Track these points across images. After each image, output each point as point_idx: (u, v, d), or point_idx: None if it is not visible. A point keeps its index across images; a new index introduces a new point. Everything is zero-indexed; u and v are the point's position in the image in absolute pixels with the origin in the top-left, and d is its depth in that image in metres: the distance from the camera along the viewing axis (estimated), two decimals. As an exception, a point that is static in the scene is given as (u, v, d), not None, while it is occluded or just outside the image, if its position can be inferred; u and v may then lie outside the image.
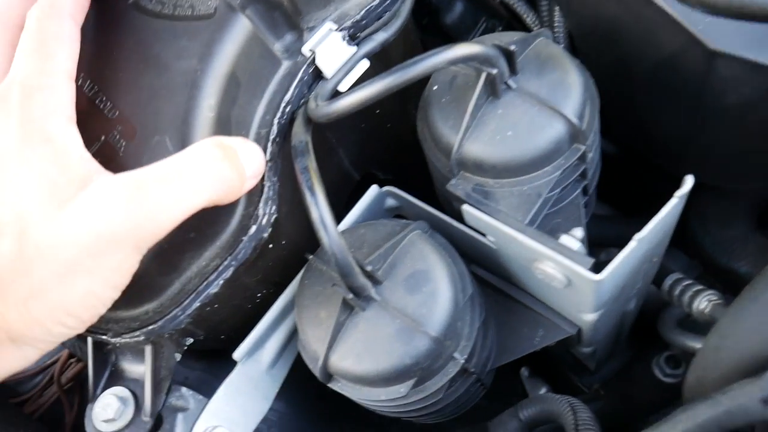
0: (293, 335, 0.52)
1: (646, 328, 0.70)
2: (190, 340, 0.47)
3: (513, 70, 0.45)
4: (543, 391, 0.79)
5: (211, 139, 0.40)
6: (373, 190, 0.53)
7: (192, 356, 0.52)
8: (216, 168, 0.39)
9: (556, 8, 0.57)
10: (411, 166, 0.69)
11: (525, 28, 0.64)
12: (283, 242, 0.48)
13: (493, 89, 0.44)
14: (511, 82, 0.45)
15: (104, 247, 0.36)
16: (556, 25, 0.58)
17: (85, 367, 0.54)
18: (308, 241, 0.54)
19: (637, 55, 0.52)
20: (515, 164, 0.45)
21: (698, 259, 0.70)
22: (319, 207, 0.39)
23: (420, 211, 0.53)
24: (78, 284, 0.36)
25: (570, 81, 0.45)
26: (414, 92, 0.61)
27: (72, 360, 0.55)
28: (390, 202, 0.55)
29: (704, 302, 0.59)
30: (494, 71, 0.43)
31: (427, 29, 0.67)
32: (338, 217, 0.60)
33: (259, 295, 0.49)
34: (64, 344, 0.53)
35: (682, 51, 0.48)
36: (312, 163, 0.41)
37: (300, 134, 0.44)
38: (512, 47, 0.43)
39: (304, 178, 0.40)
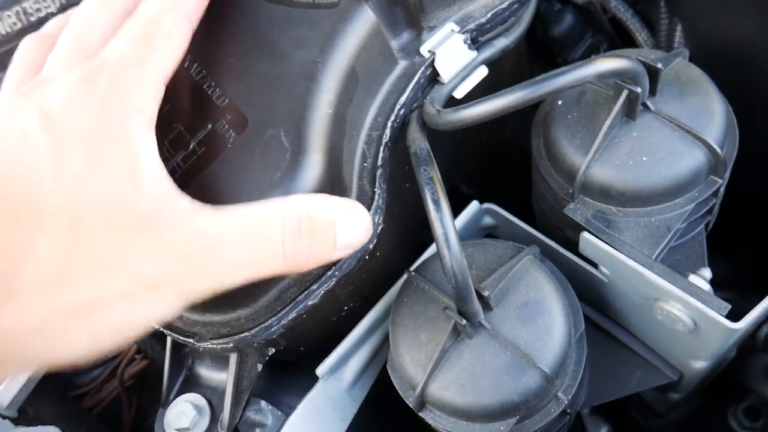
0: (376, 354, 0.48)
1: (723, 373, 0.66)
2: (272, 350, 0.43)
3: (653, 91, 0.41)
4: (604, 431, 0.75)
5: (299, 205, 0.35)
6: (474, 206, 0.49)
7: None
8: (292, 244, 0.34)
9: (678, 27, 0.53)
10: (497, 182, 0.65)
11: (634, 45, 0.60)
12: (378, 254, 0.45)
13: (630, 109, 0.41)
14: (649, 103, 0.41)
15: (144, 289, 0.32)
16: (675, 44, 0.54)
17: (150, 364, 0.51)
18: (399, 253, 0.51)
19: (770, 84, 0.49)
20: (647, 193, 0.41)
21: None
22: (444, 223, 0.35)
23: (520, 233, 0.49)
24: (109, 313, 0.31)
25: (713, 107, 0.42)
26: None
27: (137, 356, 0.52)
28: (487, 220, 0.52)
29: (807, 357, 0.55)
30: (637, 89, 0.39)
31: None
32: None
33: (346, 307, 0.46)
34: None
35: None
36: (437, 173, 0.37)
37: (419, 140, 0.40)
38: (659, 64, 0.39)
39: (428, 189, 0.36)
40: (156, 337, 0.48)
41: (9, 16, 0.49)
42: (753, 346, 0.60)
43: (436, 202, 0.36)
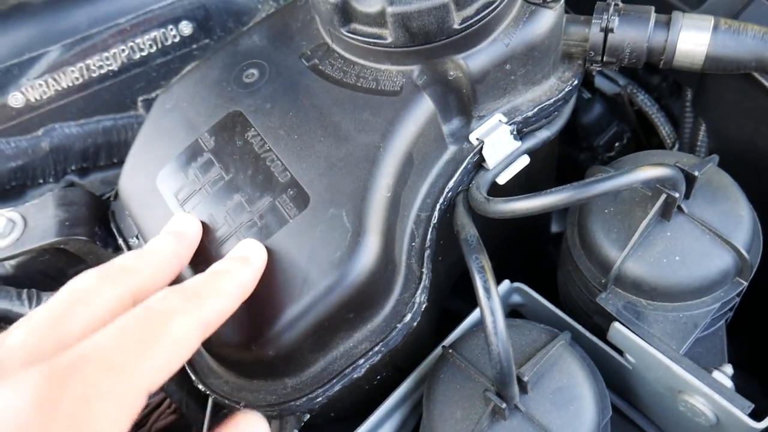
0: (404, 424, 0.49)
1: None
2: (308, 416, 0.44)
3: (687, 195, 0.43)
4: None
5: None
6: (505, 285, 0.51)
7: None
8: None
9: (702, 126, 0.56)
10: (517, 255, 0.67)
11: (656, 136, 0.63)
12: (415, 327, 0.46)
13: (666, 211, 0.43)
14: (683, 206, 0.44)
15: None
16: (699, 143, 0.57)
17: (180, 418, 0.52)
18: (428, 323, 0.53)
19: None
20: (677, 290, 0.43)
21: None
22: (494, 312, 0.37)
23: (548, 314, 0.51)
24: None
25: (742, 213, 0.44)
26: (539, 186, 0.61)
27: (167, 410, 0.52)
28: (514, 298, 0.54)
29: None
30: (675, 194, 0.42)
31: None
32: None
33: (378, 376, 0.47)
34: (167, 393, 0.51)
35: None
36: (487, 261, 0.39)
37: (468, 227, 0.42)
38: (696, 172, 0.42)
39: (480, 278, 0.38)
40: (191, 395, 0.49)
41: (73, 71, 0.51)
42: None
43: (488, 291, 0.38)
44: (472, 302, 0.40)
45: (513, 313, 0.57)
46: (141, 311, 0.29)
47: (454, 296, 0.60)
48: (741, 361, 0.68)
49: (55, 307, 0.30)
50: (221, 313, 0.33)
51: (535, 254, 0.72)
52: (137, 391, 0.27)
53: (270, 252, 0.39)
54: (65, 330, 0.29)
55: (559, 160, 0.65)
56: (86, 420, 0.25)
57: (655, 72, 0.63)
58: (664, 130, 0.61)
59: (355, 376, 0.41)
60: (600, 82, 0.64)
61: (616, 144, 0.65)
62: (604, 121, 0.63)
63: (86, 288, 0.31)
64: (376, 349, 0.41)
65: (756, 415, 0.41)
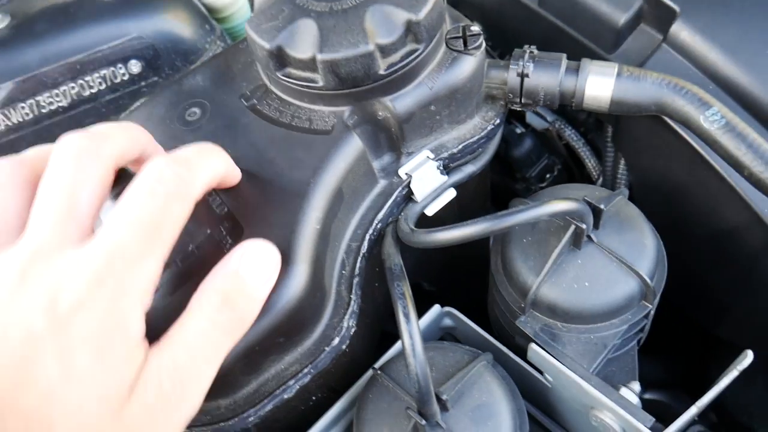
0: (338, 444, 0.52)
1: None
2: (244, 437, 0.47)
3: (596, 225, 0.47)
4: None
5: (204, 293, 0.37)
6: (435, 309, 0.55)
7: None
8: (225, 320, 0.36)
9: (622, 160, 0.61)
10: (455, 282, 0.71)
11: (585, 169, 0.68)
12: (347, 350, 0.49)
13: (576, 240, 0.47)
14: (592, 236, 0.48)
15: None
16: (619, 175, 0.62)
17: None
18: (365, 345, 0.56)
19: (697, 220, 0.56)
20: (588, 313, 0.47)
21: (717, 415, 0.72)
22: (412, 336, 0.40)
23: (476, 336, 0.54)
24: None
25: (646, 242, 0.48)
26: (473, 215, 0.64)
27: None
28: (446, 321, 0.57)
29: (727, 462, 0.60)
30: (583, 226, 0.45)
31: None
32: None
33: (314, 398, 0.50)
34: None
35: (744, 227, 0.52)
36: (408, 288, 0.43)
37: (393, 256, 0.46)
38: (602, 205, 0.46)
39: (401, 304, 0.41)
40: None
41: (23, 107, 0.54)
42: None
43: (407, 316, 0.41)
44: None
45: (448, 335, 0.60)
46: (144, 197, 0.35)
47: (393, 319, 0.63)
48: (672, 379, 0.73)
49: (62, 190, 0.35)
50: (208, 185, 0.39)
51: (475, 280, 0.76)
52: (156, 268, 0.34)
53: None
54: (80, 213, 0.35)
55: (497, 190, 0.69)
56: (125, 295, 0.32)
57: (581, 109, 0.68)
58: (590, 162, 0.66)
59: (285, 396, 0.43)
60: (531, 118, 0.68)
61: (548, 175, 0.69)
62: (535, 155, 0.68)
63: (78, 165, 0.35)
64: (306, 370, 0.43)
65: (662, 420, 0.45)
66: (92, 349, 0.31)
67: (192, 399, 0.36)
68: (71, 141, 0.36)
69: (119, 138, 0.38)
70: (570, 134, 0.66)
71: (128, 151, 0.39)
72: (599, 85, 0.48)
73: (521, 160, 0.68)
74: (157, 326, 0.35)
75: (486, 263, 0.76)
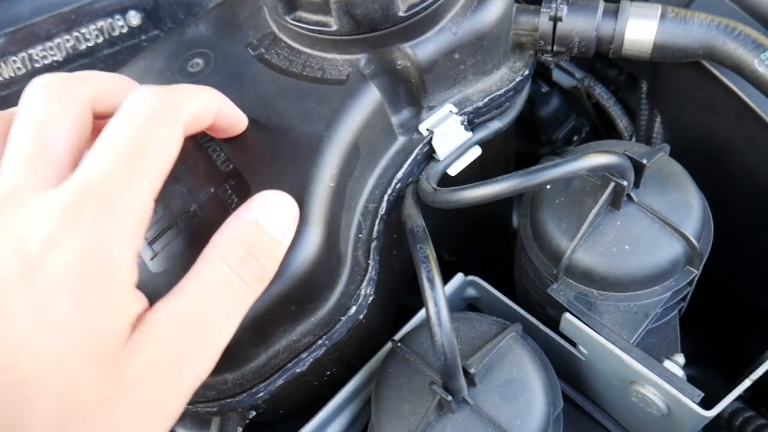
0: (355, 421, 0.48)
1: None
2: (253, 413, 0.43)
3: (637, 184, 0.43)
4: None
5: (224, 238, 0.33)
6: (458, 278, 0.51)
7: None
8: (247, 272, 0.33)
9: (657, 118, 0.56)
10: (477, 251, 0.67)
11: (614, 129, 0.63)
12: (364, 321, 0.45)
13: (615, 200, 0.43)
14: (632, 194, 0.43)
15: (160, 400, 0.30)
16: (654, 134, 0.57)
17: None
18: (383, 318, 0.52)
19: (744, 181, 0.51)
20: (628, 279, 0.43)
21: (753, 391, 0.67)
22: (437, 303, 0.36)
23: (502, 307, 0.50)
24: None
25: (692, 202, 0.44)
26: (497, 175, 0.60)
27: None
28: (470, 291, 0.53)
29: (769, 440, 0.57)
30: (624, 183, 0.41)
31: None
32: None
33: (329, 372, 0.46)
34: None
35: (798, 187, 0.47)
36: (432, 251, 0.39)
37: (415, 217, 0.42)
38: (644, 160, 0.42)
39: (424, 268, 0.38)
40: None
41: (15, 61, 0.50)
42: (717, 426, 0.62)
43: (431, 281, 0.37)
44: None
45: (470, 307, 0.56)
46: (125, 122, 0.31)
47: (412, 292, 0.60)
48: (704, 354, 0.69)
49: (31, 132, 0.31)
50: (197, 113, 0.35)
51: (499, 249, 0.72)
52: (144, 202, 0.30)
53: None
54: (53, 154, 0.31)
55: (520, 155, 0.65)
56: (104, 232, 0.28)
57: (612, 65, 0.63)
58: (621, 122, 0.61)
59: (298, 370, 0.40)
60: (557, 76, 0.64)
61: (575, 137, 0.65)
62: (562, 115, 0.63)
63: (47, 103, 0.32)
64: (320, 342, 0.40)
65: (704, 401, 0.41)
66: (70, 294, 0.27)
67: (206, 358, 0.31)
68: (41, 79, 0.33)
69: (96, 78, 0.35)
70: (600, 92, 0.61)
71: (107, 92, 0.35)
72: (641, 28, 0.43)
73: (547, 120, 0.63)
74: (158, 291, 0.31)
75: (510, 230, 0.73)
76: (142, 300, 0.30)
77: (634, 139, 0.60)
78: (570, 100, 0.64)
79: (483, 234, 0.64)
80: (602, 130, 0.67)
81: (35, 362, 0.27)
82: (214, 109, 0.37)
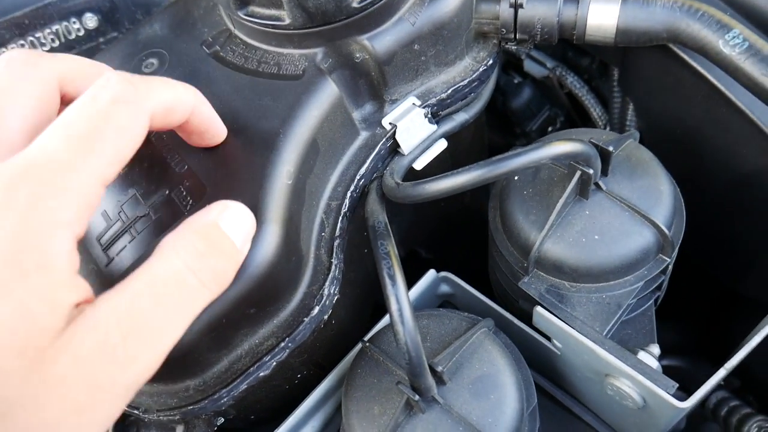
0: (329, 424, 0.47)
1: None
2: (222, 420, 0.42)
3: (605, 171, 0.42)
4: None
5: (184, 234, 0.31)
6: (431, 275, 0.50)
7: None
8: (205, 268, 0.31)
9: (630, 106, 0.56)
10: (455, 247, 0.66)
11: (589, 119, 0.62)
12: (333, 322, 0.44)
13: (583, 189, 0.42)
14: (601, 183, 0.42)
15: (90, 402, 0.27)
16: (628, 122, 0.56)
17: None
18: (355, 319, 0.51)
19: (716, 165, 0.51)
20: (598, 270, 0.42)
21: (741, 379, 0.67)
22: (399, 300, 0.35)
23: (476, 302, 0.49)
24: None
25: (662, 188, 0.43)
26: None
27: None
28: (444, 288, 0.52)
29: (754, 428, 0.56)
30: (590, 171, 0.40)
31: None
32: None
33: (299, 375, 0.45)
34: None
35: (770, 169, 0.47)
36: (393, 247, 0.38)
37: (377, 213, 0.41)
38: (610, 148, 0.41)
39: (385, 264, 0.36)
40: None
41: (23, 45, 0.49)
42: (703, 416, 0.61)
43: (392, 277, 0.36)
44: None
45: (446, 304, 0.55)
46: (84, 102, 0.29)
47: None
48: (689, 344, 0.68)
49: None
50: (168, 103, 0.33)
51: (477, 245, 0.71)
52: (91, 187, 0.28)
53: None
54: (4, 130, 0.30)
55: (495, 148, 0.64)
56: (40, 214, 0.26)
57: (584, 53, 0.62)
58: (595, 111, 0.60)
59: (261, 374, 0.39)
60: (529, 66, 0.63)
61: (549, 128, 0.64)
62: (535, 106, 0.62)
63: (9, 77, 0.31)
64: (282, 345, 0.39)
65: (683, 388, 0.40)
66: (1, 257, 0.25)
67: (144, 360, 0.28)
68: (8, 53, 0.31)
69: (69, 60, 0.33)
70: (572, 81, 0.61)
71: (80, 75, 0.33)
72: (603, 12, 0.43)
73: (520, 112, 0.62)
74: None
75: (486, 224, 0.72)
76: (81, 289, 0.28)
77: (608, 128, 0.59)
78: (543, 90, 0.63)
79: (459, 229, 0.63)
80: (577, 119, 0.66)
81: None
82: (188, 106, 0.35)
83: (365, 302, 0.53)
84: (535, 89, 0.63)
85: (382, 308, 0.56)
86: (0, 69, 0.31)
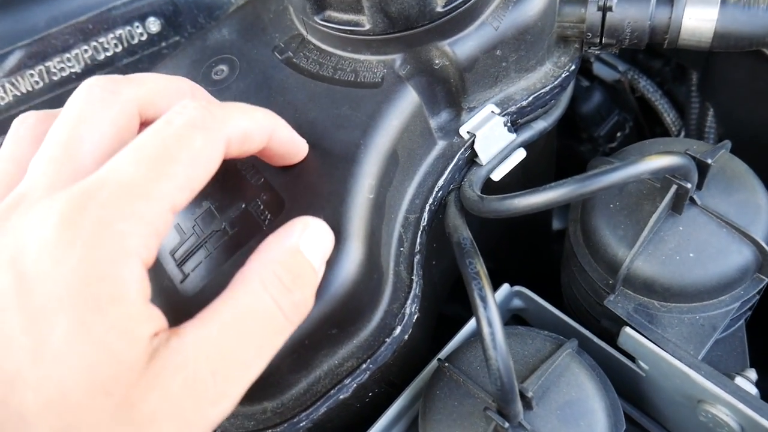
0: (400, 444, 0.46)
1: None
2: (292, 440, 0.41)
3: (700, 185, 0.40)
4: None
5: (269, 262, 0.30)
6: (504, 289, 0.48)
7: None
8: (288, 303, 0.29)
9: (710, 111, 0.53)
10: (517, 255, 0.64)
11: (659, 123, 0.60)
12: (407, 339, 0.43)
13: (677, 204, 0.39)
14: (695, 197, 0.40)
15: None
16: (707, 129, 0.53)
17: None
18: (424, 332, 0.49)
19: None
20: (693, 290, 0.40)
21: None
22: (492, 323, 0.33)
23: (551, 319, 0.47)
24: None
25: (759, 203, 0.41)
26: (537, 181, 0.57)
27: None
28: (516, 302, 0.50)
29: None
30: (687, 185, 0.38)
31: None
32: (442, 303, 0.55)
33: (371, 393, 0.43)
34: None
35: None
36: (482, 266, 0.36)
37: (461, 228, 0.39)
38: (708, 160, 0.38)
39: (475, 285, 0.34)
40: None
41: (32, 74, 0.48)
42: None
43: (484, 299, 0.34)
44: (470, 306, 0.37)
45: (515, 317, 0.53)
46: (158, 127, 0.28)
47: (450, 301, 0.56)
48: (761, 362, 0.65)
49: (62, 132, 0.29)
50: (245, 131, 0.31)
51: (536, 253, 0.69)
52: (160, 212, 0.27)
53: (242, 263, 0.35)
54: (79, 155, 0.29)
55: (558, 153, 0.61)
56: (109, 241, 0.25)
57: (656, 56, 0.59)
58: (669, 116, 0.58)
59: (341, 397, 0.37)
60: (599, 69, 0.60)
61: (618, 134, 0.61)
62: (605, 110, 0.60)
63: (87, 103, 0.30)
64: (364, 366, 0.37)
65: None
66: (69, 315, 0.24)
67: (233, 395, 0.28)
68: (89, 80, 0.31)
69: (150, 82, 0.32)
70: (645, 85, 0.58)
71: (161, 96, 0.32)
72: (700, 15, 0.40)
73: (589, 117, 0.60)
74: (190, 317, 0.28)
75: (550, 232, 0.69)
76: (156, 320, 0.26)
77: (683, 134, 0.57)
78: (612, 94, 0.61)
79: (522, 237, 0.61)
80: (646, 125, 0.63)
81: (35, 396, 0.23)
82: (266, 132, 0.33)
83: (432, 314, 0.51)
84: (605, 93, 0.60)
85: (446, 320, 0.54)
86: (80, 96, 0.30)
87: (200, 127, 0.28)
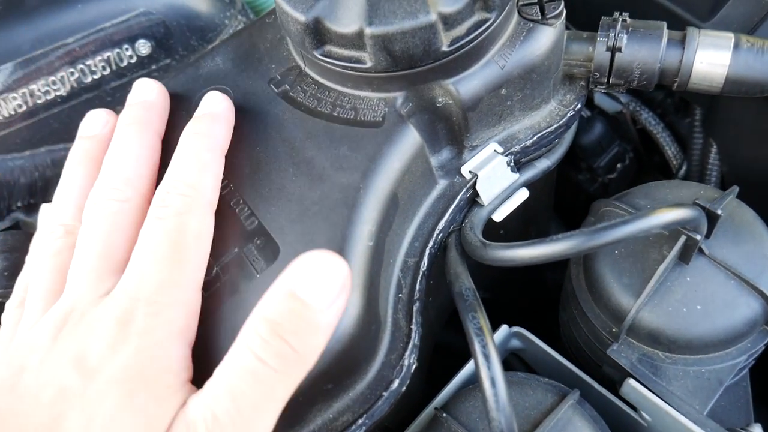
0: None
1: None
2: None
3: (708, 234, 0.39)
4: None
5: (253, 321, 0.30)
6: (503, 330, 0.46)
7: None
8: (272, 356, 0.29)
9: (713, 148, 0.52)
10: (514, 293, 0.62)
11: (660, 155, 0.59)
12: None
13: (685, 254, 0.38)
14: (703, 247, 0.39)
15: None
16: (709, 166, 0.52)
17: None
18: (421, 382, 0.47)
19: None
20: (699, 342, 0.38)
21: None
22: (496, 383, 0.32)
23: (550, 362, 0.46)
24: None
25: (767, 253, 0.39)
26: (537, 215, 0.56)
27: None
28: (514, 343, 0.48)
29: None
30: (697, 237, 0.37)
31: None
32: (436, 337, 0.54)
33: (364, 440, 0.42)
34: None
35: None
36: (486, 321, 0.34)
37: (463, 277, 0.37)
38: (718, 210, 0.37)
39: (479, 342, 0.33)
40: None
41: (15, 97, 0.46)
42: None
43: (488, 357, 0.32)
44: (464, 334, 0.35)
45: (511, 356, 0.52)
46: (155, 226, 0.33)
47: (444, 328, 0.55)
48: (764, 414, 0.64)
49: (94, 242, 0.34)
50: (215, 184, 0.36)
51: (533, 286, 0.67)
52: (189, 294, 0.32)
53: (236, 314, 0.33)
54: (114, 259, 0.34)
55: (556, 182, 0.60)
56: (159, 329, 0.31)
57: (659, 86, 0.58)
58: (670, 150, 0.57)
59: (334, 453, 0.35)
60: (600, 100, 0.59)
61: (618, 165, 0.60)
62: (605, 141, 0.58)
63: (106, 216, 0.35)
64: (360, 421, 0.35)
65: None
66: (120, 393, 0.29)
67: None
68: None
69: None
70: (647, 117, 0.57)
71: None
72: (712, 59, 0.39)
73: (589, 148, 0.59)
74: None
75: (546, 268, 0.68)
76: (190, 387, 0.31)
77: (684, 168, 0.56)
78: (613, 125, 0.59)
79: (518, 274, 0.59)
80: (644, 156, 0.62)
81: None
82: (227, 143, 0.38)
83: (427, 352, 0.50)
84: (606, 124, 0.59)
85: (438, 347, 0.53)
86: (102, 214, 0.36)
87: (188, 213, 0.34)
